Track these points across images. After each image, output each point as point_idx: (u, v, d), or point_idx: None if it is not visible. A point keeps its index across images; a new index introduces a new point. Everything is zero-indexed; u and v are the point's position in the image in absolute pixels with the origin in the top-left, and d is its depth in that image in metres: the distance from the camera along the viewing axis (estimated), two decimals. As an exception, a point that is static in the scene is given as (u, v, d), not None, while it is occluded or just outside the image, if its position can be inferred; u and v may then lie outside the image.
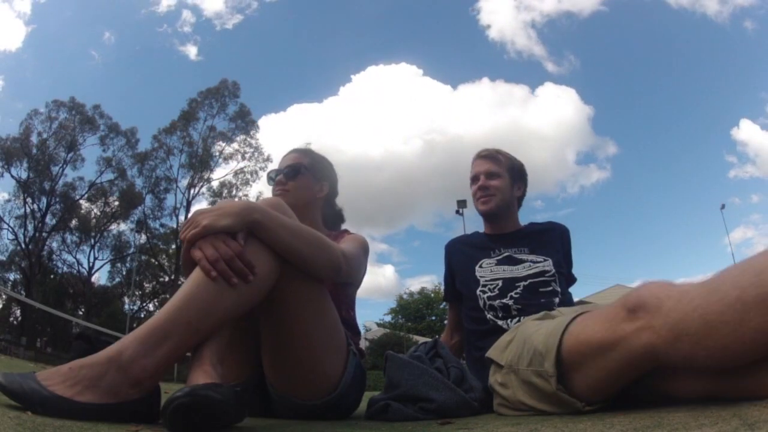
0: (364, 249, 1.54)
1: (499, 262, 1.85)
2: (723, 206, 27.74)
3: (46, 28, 34.24)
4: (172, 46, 35.91)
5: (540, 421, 1.02)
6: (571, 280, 1.95)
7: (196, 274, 1.03)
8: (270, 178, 1.76)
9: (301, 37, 42.61)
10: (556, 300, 1.74)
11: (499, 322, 1.70)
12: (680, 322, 0.83)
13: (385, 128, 45.96)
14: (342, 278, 1.31)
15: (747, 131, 42.34)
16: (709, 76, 41.78)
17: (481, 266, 1.86)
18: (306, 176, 1.72)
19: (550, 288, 1.77)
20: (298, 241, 1.15)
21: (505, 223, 1.95)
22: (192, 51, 35.98)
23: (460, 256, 1.97)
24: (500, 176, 1.91)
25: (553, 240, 1.93)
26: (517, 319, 1.66)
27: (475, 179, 1.95)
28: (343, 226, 1.84)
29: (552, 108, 40.79)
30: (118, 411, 0.89)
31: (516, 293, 1.74)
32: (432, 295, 32.12)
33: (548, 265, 1.81)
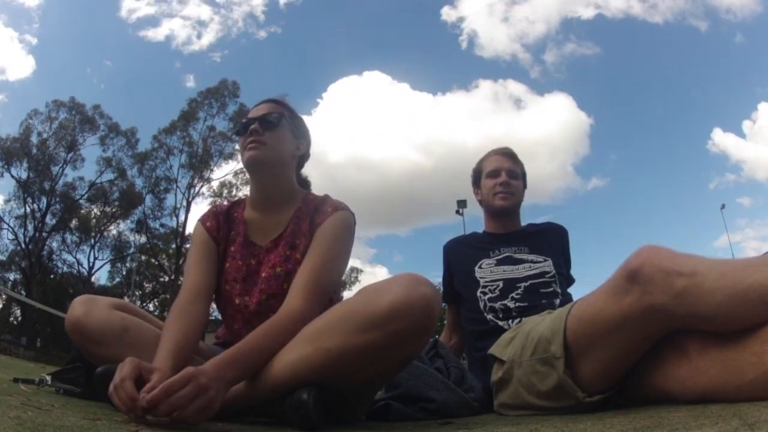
0: (345, 242, 1.36)
1: (499, 262, 1.82)
2: (723, 206, 27.64)
3: (51, 54, 35.04)
4: (169, 71, 36.85)
5: (540, 421, 1.02)
6: (571, 280, 1.95)
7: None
8: (239, 129, 1.44)
9: (279, 64, 42.64)
10: (557, 301, 1.72)
11: (500, 323, 1.70)
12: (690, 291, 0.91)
13: (371, 136, 45.73)
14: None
15: (723, 140, 42.38)
16: (694, 86, 42.41)
17: (480, 267, 1.83)
18: (286, 129, 1.44)
19: (551, 289, 1.75)
20: (261, 353, 1.09)
21: (510, 223, 1.95)
22: (189, 79, 36.57)
23: (459, 256, 1.94)
24: (519, 178, 1.95)
25: (552, 240, 1.93)
26: (518, 319, 1.66)
27: (495, 174, 1.92)
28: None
29: (546, 116, 40.63)
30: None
31: (517, 294, 1.72)
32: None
33: (548, 265, 1.80)
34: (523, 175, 1.99)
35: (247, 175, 1.50)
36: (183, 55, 34.08)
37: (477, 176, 2.00)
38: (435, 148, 41.00)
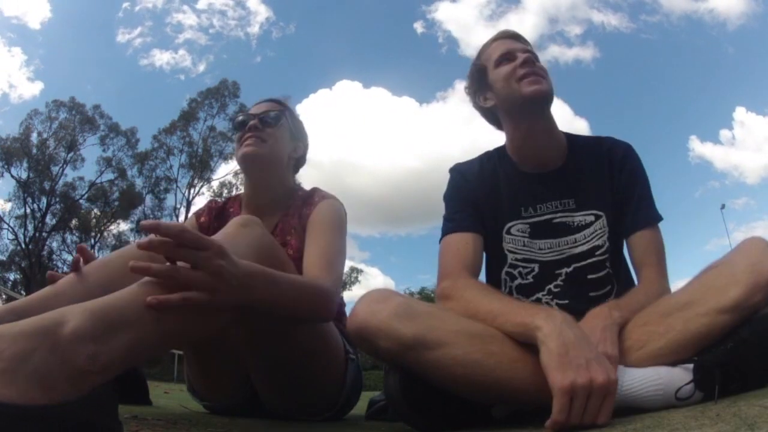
0: (341, 227, 1.31)
1: (535, 232, 1.25)
2: (723, 206, 27.37)
3: (51, 72, 34.82)
4: (166, 89, 36.82)
5: (540, 421, 1.02)
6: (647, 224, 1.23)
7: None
8: (237, 125, 1.40)
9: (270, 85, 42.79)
10: (612, 291, 1.23)
11: None
12: None
13: (358, 142, 45.45)
14: (333, 314, 1.14)
15: (704, 150, 42.53)
16: (673, 99, 42.92)
17: (509, 231, 1.27)
18: (286, 128, 1.43)
19: (602, 273, 1.23)
20: (279, 294, 0.93)
21: (543, 136, 1.28)
22: (186, 99, 36.98)
23: (486, 201, 1.29)
24: (539, 61, 1.31)
25: (608, 176, 1.27)
26: None
27: (508, 56, 1.30)
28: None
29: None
30: (43, 417, 0.55)
31: (556, 286, 1.24)
32: (432, 294, 32.08)
33: (600, 230, 1.24)
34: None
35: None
36: (177, 81, 34.58)
37: (481, 74, 1.35)
38: (425, 152, 40.81)
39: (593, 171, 1.27)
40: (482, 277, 1.29)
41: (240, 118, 1.42)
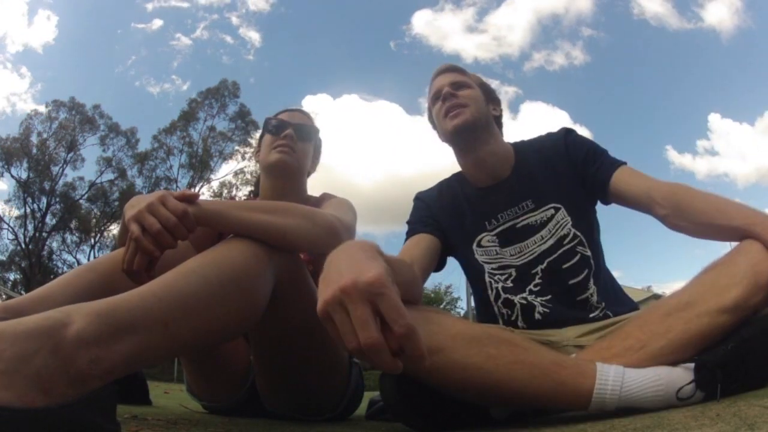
0: (353, 212, 1.33)
1: (503, 240, 1.32)
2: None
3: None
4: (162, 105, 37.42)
5: (540, 421, 1.02)
6: (608, 195, 1.27)
7: (191, 267, 0.81)
8: (272, 129, 1.43)
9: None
10: (590, 274, 1.27)
11: (520, 325, 1.28)
12: None
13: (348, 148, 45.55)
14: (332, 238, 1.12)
15: (684, 161, 42.57)
16: (652, 112, 43.08)
17: (480, 244, 1.35)
18: (312, 145, 1.52)
19: (577, 258, 1.27)
20: (269, 215, 0.95)
21: (489, 157, 1.35)
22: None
23: (451, 222, 1.38)
24: (470, 87, 1.39)
25: (557, 166, 1.34)
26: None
27: (436, 97, 1.40)
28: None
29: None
30: (42, 419, 0.55)
31: (535, 284, 1.28)
32: (432, 295, 32.08)
33: (563, 220, 1.29)
34: (481, 85, 1.44)
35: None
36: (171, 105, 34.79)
37: (430, 113, 1.45)
38: (419, 156, 40.87)
39: (542, 167, 1.35)
40: (466, 283, 1.35)
41: (274, 122, 1.46)
